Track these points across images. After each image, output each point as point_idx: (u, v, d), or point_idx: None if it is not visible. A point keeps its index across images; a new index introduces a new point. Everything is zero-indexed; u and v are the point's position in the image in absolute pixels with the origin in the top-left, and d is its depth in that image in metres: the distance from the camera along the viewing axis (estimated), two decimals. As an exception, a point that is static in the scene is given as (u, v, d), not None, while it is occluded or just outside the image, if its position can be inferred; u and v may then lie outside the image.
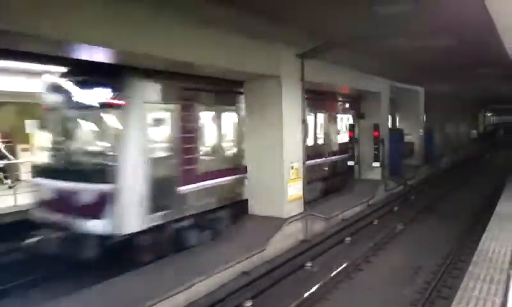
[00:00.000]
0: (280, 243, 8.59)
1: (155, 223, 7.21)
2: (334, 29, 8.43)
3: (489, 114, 50.28)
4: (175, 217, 7.70)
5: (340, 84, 12.19)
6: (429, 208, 12.58)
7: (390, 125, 17.03)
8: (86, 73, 7.11)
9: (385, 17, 7.29)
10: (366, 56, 11.48)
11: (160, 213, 7.31)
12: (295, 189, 9.48)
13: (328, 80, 11.28)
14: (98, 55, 6.08)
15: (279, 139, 9.08)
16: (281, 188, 9.18)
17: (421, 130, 18.73)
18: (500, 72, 14.87)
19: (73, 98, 7.17)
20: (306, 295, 6.51)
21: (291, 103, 9.29)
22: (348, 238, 9.59)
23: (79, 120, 7.40)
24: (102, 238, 6.60)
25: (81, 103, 7.09)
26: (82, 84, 7.15)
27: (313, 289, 6.72)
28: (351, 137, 15.09)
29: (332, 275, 7.35)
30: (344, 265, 7.77)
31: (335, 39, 8.92)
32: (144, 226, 7.00)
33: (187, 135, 8.04)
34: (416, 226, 10.78)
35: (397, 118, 19.40)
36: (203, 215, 8.46)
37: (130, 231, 6.75)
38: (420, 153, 18.55)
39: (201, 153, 8.52)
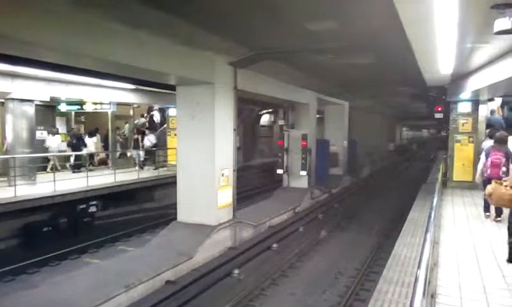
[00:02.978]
0: (208, 251, 8.51)
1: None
2: (266, 42, 8.63)
3: (404, 129, 54.55)
4: None
5: (272, 94, 12.48)
6: (350, 216, 13.30)
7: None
8: None
9: (314, 33, 7.63)
10: (296, 70, 11.90)
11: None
12: (225, 196, 9.47)
13: (260, 90, 11.49)
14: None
15: (211, 146, 9.02)
16: (211, 195, 9.11)
17: (345, 142, 19.76)
18: (414, 91, 16.26)
19: None
20: (230, 303, 6.52)
21: (224, 111, 9.30)
22: (275, 245, 9.79)
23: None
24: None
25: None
26: None
27: (239, 297, 6.76)
28: (281, 146, 15.51)
29: (258, 282, 7.45)
30: (270, 272, 7.91)
31: (267, 51, 9.14)
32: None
33: None
34: (338, 233, 11.33)
35: (324, 129, 20.32)
36: None
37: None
38: (344, 163, 19.56)
39: None
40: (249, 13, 6.66)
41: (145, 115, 19.12)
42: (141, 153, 16.14)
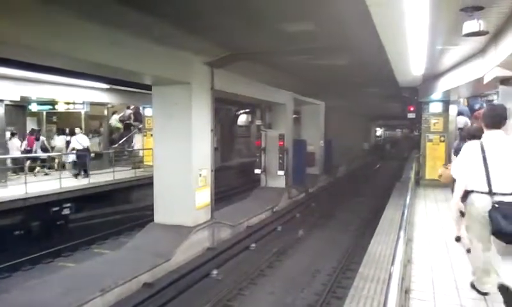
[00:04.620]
0: (187, 252, 8.45)
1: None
2: (243, 42, 8.65)
3: (378, 129, 55.59)
4: None
5: (249, 94, 12.51)
6: (327, 214, 13.48)
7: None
8: None
9: (290, 35, 7.70)
10: (272, 70, 11.97)
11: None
12: (203, 197, 9.42)
13: (237, 90, 11.49)
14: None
15: (188, 146, 8.95)
16: (189, 196, 9.04)
17: (321, 141, 19.97)
18: (387, 92, 16.63)
19: None
20: (209, 303, 6.50)
21: (201, 111, 9.25)
22: (253, 245, 9.81)
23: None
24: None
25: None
26: None
27: (217, 297, 6.75)
28: (258, 146, 15.56)
29: (236, 282, 7.46)
30: (248, 272, 7.93)
31: (244, 52, 9.16)
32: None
33: None
34: (316, 232, 11.45)
35: (301, 129, 20.49)
36: None
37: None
38: (320, 162, 19.77)
39: None
40: (226, 13, 6.66)
41: (131, 107, 18.86)
42: (71, 157, 13.59)
